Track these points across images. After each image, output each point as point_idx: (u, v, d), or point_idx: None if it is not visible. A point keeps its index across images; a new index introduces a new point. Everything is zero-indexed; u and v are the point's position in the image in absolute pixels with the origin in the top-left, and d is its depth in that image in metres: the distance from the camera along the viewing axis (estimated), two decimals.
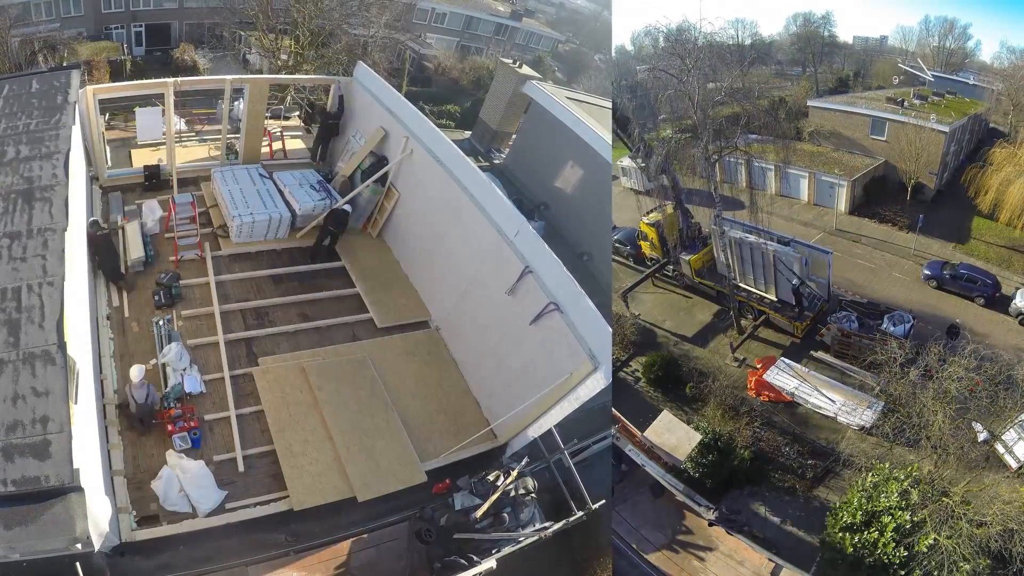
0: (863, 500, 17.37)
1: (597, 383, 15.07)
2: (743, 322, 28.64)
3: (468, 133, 39.25)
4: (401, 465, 16.78)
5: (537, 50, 66.25)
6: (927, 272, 31.37)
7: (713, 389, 24.58)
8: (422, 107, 35.51)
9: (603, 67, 59.60)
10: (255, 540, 14.85)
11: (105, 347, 17.33)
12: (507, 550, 15.81)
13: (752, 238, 27.68)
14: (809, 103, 44.41)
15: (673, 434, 22.31)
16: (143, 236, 20.58)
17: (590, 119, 28.75)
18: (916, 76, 46.44)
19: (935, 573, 15.87)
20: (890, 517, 16.70)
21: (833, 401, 23.98)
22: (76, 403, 11.31)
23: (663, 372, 25.80)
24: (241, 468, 16.07)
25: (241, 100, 25.48)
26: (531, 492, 16.96)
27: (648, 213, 31.84)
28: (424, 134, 21.35)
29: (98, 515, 11.63)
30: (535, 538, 16.53)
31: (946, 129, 36.32)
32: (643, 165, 30.71)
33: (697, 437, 21.88)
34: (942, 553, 16.07)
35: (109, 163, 23.55)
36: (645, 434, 22.38)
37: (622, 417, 23.13)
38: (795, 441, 23.13)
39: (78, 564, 10.93)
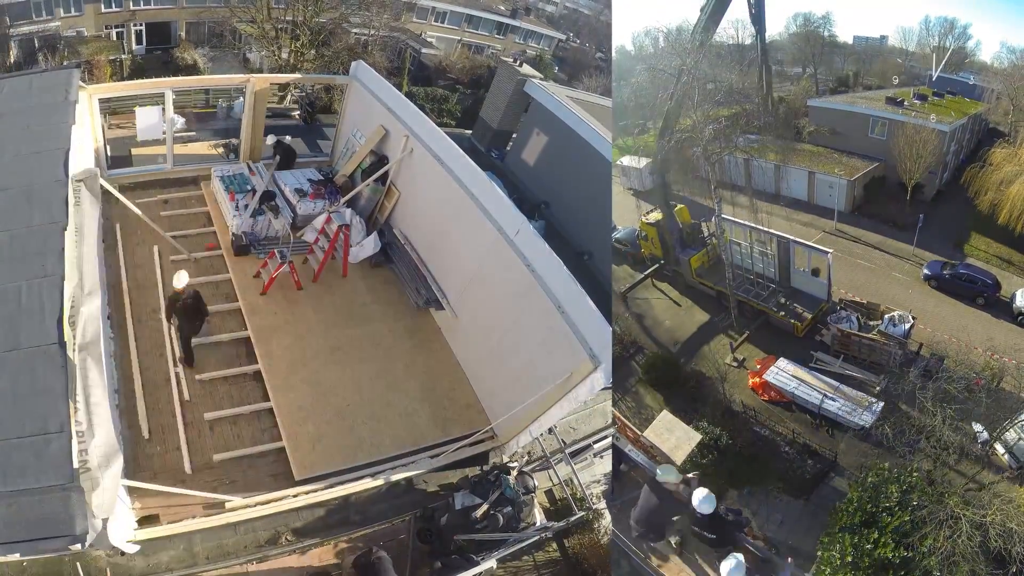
0: (863, 500, 17.34)
1: (597, 383, 15.06)
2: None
3: (469, 132, 39.33)
4: None
5: (538, 48, 66.29)
6: (927, 272, 31.36)
7: (712, 389, 24.55)
8: (422, 106, 35.61)
9: (603, 65, 59.65)
10: (255, 540, 14.87)
11: (104, 346, 17.30)
12: (507, 550, 15.85)
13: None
14: (809, 103, 44.33)
15: (672, 434, 22.29)
16: None
17: (591, 118, 28.77)
18: (919, 76, 46.38)
19: (935, 573, 15.85)
20: (890, 517, 16.68)
21: (833, 401, 23.95)
22: (76, 402, 11.28)
23: (662, 372, 25.77)
24: (241, 467, 16.14)
25: (241, 99, 25.51)
26: (531, 491, 16.98)
27: (648, 213, 31.82)
28: (425, 133, 21.34)
29: (98, 515, 11.60)
30: (535, 537, 16.57)
31: (946, 129, 36.28)
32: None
33: (697, 437, 21.81)
34: (942, 553, 16.06)
35: (109, 162, 23.57)
36: (645, 434, 22.37)
37: (622, 417, 23.13)
38: (794, 441, 23.09)
39: (79, 565, 10.92)
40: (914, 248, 33.27)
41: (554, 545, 17.83)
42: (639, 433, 22.27)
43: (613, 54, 54.78)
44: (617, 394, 24.59)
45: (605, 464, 20.17)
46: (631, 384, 25.99)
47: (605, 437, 20.01)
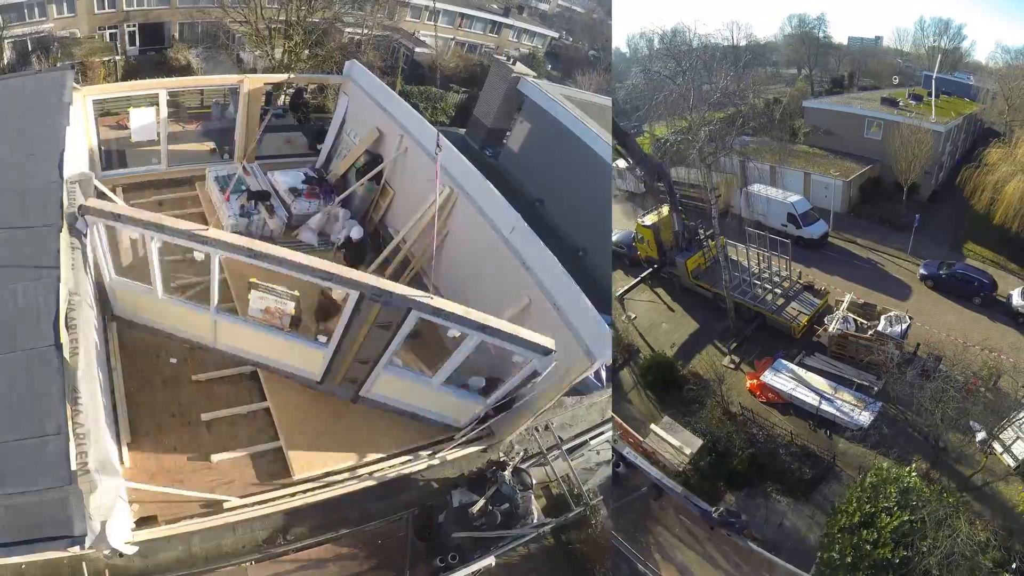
0: (862, 501, 17.35)
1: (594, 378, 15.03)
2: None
3: (463, 130, 39.27)
4: None
5: (531, 46, 66.31)
6: (923, 272, 31.41)
7: (710, 392, 24.49)
8: (416, 104, 35.50)
9: (596, 63, 59.65)
10: (253, 540, 14.79)
11: (100, 347, 17.20)
12: (505, 547, 15.80)
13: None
14: (804, 104, 44.44)
15: (675, 438, 22.36)
16: None
17: (585, 116, 28.70)
18: (914, 76, 46.49)
19: (934, 573, 15.86)
20: (889, 517, 16.69)
21: (831, 402, 23.94)
22: (75, 404, 11.21)
23: (659, 375, 25.70)
24: (239, 467, 16.06)
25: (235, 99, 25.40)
26: (528, 488, 16.94)
27: (644, 215, 31.76)
28: (418, 132, 21.29)
29: (96, 516, 11.54)
30: (533, 535, 16.52)
31: (942, 129, 36.37)
32: (640, 175, 30.71)
33: (698, 443, 21.90)
34: (941, 553, 16.06)
35: (104, 163, 23.46)
36: (647, 440, 22.40)
37: (621, 421, 23.06)
38: (792, 443, 23.06)
39: (84, 564, 10.87)
40: (910, 249, 33.30)
41: (551, 540, 17.78)
42: (640, 438, 22.29)
43: (612, 57, 54.90)
44: (614, 397, 24.60)
45: (602, 460, 20.14)
46: (627, 387, 25.97)
47: (602, 433, 19.95)
